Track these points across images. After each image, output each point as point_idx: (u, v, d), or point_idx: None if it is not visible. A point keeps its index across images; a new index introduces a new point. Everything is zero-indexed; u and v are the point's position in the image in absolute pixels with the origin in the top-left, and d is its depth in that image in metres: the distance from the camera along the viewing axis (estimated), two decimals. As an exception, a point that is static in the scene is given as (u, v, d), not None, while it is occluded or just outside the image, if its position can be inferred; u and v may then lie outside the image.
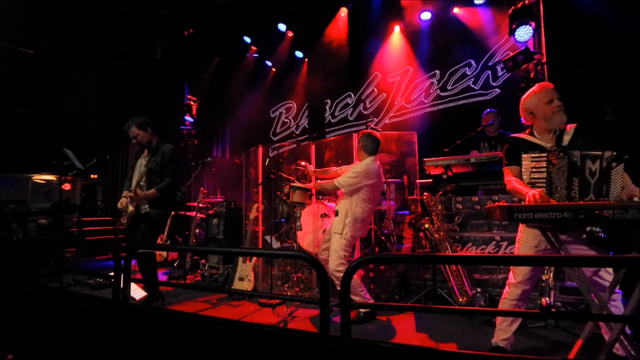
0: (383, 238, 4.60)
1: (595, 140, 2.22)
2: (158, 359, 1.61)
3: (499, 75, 5.81)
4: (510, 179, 2.27)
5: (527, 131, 2.40)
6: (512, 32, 4.69)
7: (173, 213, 5.41)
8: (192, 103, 8.26)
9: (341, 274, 3.13)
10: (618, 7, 4.23)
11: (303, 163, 3.83)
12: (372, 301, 3.38)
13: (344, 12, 7.13)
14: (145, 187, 3.51)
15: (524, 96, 2.39)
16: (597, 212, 1.69)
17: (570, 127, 2.28)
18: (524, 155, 2.18)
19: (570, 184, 2.02)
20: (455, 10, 6.16)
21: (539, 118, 2.31)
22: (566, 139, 2.23)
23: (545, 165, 2.08)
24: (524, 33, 4.57)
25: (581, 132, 2.26)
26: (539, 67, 4.60)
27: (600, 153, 2.01)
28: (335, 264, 3.29)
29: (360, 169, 3.32)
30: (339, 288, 3.39)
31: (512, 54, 4.86)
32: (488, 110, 4.64)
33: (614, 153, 2.01)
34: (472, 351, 2.58)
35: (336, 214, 3.49)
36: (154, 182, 3.52)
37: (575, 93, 4.30)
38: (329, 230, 3.58)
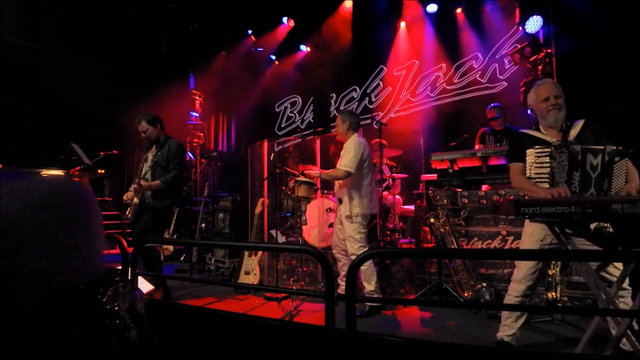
0: (389, 232, 4.60)
1: (604, 135, 2.19)
2: (163, 352, 1.63)
3: (506, 68, 5.74)
4: (517, 178, 2.26)
5: (533, 126, 2.39)
6: (520, 23, 4.62)
7: (178, 209, 5.45)
8: (196, 98, 8.27)
9: None
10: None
11: (306, 171, 3.81)
12: (379, 295, 3.40)
13: (349, 4, 7.07)
14: (149, 180, 3.56)
15: (528, 94, 2.39)
16: (605, 206, 1.67)
17: (579, 122, 2.25)
18: (529, 151, 2.16)
19: (570, 177, 2.00)
20: (462, 2, 6.08)
21: (537, 115, 2.33)
22: (572, 133, 2.21)
23: (548, 160, 2.06)
24: (534, 24, 4.50)
25: (591, 126, 2.23)
26: (547, 60, 4.53)
27: (602, 147, 1.99)
28: (354, 248, 3.34)
29: (354, 144, 3.39)
30: (345, 270, 3.45)
31: (519, 46, 4.80)
32: (493, 104, 4.59)
33: (618, 147, 1.98)
34: (477, 345, 2.59)
35: (339, 202, 3.52)
36: (160, 175, 3.56)
37: (585, 86, 4.24)
38: (337, 220, 3.61)
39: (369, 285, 3.30)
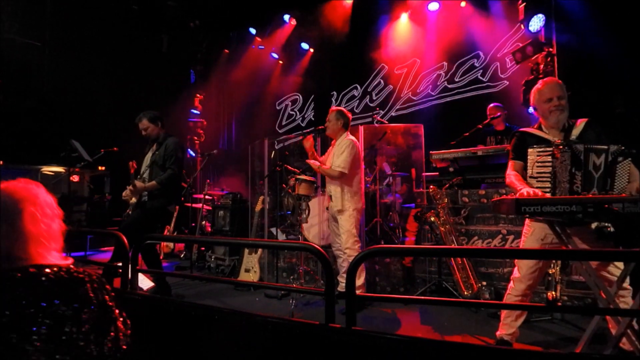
0: (389, 231, 4.60)
1: (606, 134, 2.19)
2: (165, 348, 1.63)
3: (508, 67, 5.72)
4: (509, 173, 2.28)
5: (535, 125, 2.38)
6: (523, 22, 4.60)
7: (178, 208, 5.44)
8: (197, 95, 8.27)
9: (355, 252, 3.23)
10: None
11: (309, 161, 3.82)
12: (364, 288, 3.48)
13: (349, 2, 7.05)
14: (147, 180, 3.57)
15: (532, 91, 2.38)
16: (606, 205, 1.67)
17: (581, 122, 2.25)
18: (530, 150, 2.16)
19: (572, 177, 2.00)
20: (464, 0, 6.06)
21: (540, 114, 2.33)
22: (575, 133, 2.20)
23: (550, 159, 2.06)
24: (536, 22, 4.47)
25: (593, 126, 2.23)
26: (549, 59, 4.51)
27: (605, 147, 1.98)
28: (350, 242, 3.39)
29: (347, 144, 3.47)
30: (344, 266, 3.53)
31: (521, 45, 4.78)
32: (493, 104, 4.57)
33: (621, 147, 1.97)
34: (477, 344, 2.59)
35: (330, 198, 3.56)
36: (157, 174, 3.56)
37: (586, 85, 4.23)
38: (331, 217, 3.64)
39: (359, 280, 3.37)
